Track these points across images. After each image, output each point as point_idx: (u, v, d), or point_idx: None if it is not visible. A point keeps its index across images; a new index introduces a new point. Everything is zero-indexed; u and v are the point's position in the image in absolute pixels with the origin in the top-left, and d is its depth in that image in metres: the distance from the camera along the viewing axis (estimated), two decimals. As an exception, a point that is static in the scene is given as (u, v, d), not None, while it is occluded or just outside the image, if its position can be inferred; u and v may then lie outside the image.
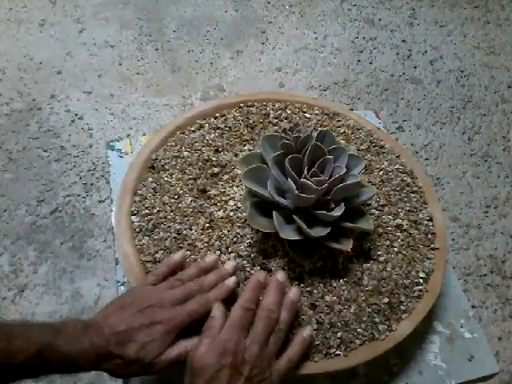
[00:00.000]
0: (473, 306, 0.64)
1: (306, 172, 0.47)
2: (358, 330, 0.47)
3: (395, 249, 0.55)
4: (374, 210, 0.58)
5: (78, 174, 0.71)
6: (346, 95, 0.93)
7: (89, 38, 0.93)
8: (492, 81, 1.01)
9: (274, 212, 0.48)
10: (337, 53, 1.01)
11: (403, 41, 1.07)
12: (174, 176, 0.57)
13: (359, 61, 1.00)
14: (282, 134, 0.49)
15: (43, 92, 0.82)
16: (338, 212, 0.47)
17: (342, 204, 0.48)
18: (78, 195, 0.69)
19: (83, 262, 0.62)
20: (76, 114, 0.79)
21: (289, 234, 0.46)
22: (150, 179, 0.57)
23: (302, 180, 0.46)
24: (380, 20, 1.11)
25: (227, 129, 0.64)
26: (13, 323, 0.37)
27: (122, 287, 0.56)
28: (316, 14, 1.09)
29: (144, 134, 0.78)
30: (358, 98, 0.93)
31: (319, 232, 0.46)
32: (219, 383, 0.37)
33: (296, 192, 0.45)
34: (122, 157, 0.70)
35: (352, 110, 0.89)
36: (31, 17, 0.94)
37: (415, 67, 1.01)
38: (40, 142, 0.74)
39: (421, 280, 0.53)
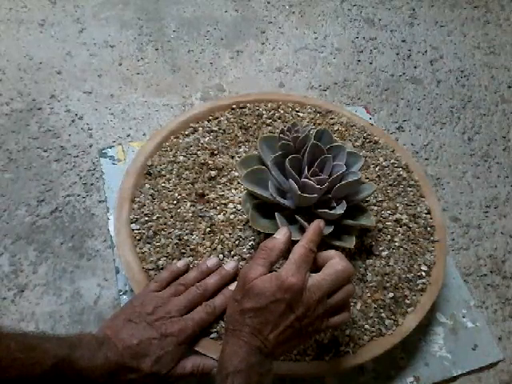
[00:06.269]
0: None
1: (306, 172, 0.47)
2: (366, 326, 0.48)
3: (396, 243, 0.55)
4: (372, 206, 0.58)
5: (78, 174, 0.71)
6: (346, 95, 0.93)
7: (89, 37, 0.93)
8: (492, 81, 1.02)
9: (276, 213, 0.48)
10: (337, 53, 1.01)
11: (403, 41, 1.07)
12: (171, 181, 0.58)
13: (359, 61, 1.01)
14: (281, 135, 0.50)
15: (43, 92, 0.82)
16: (340, 210, 0.47)
17: (344, 202, 0.48)
18: (78, 195, 0.69)
19: (83, 262, 0.62)
20: (76, 114, 0.79)
21: (292, 234, 0.46)
22: (147, 186, 0.57)
23: (303, 180, 0.46)
24: (380, 20, 1.11)
25: (221, 131, 0.64)
26: (30, 334, 0.36)
27: (125, 296, 0.56)
28: (316, 13, 1.09)
29: (144, 134, 0.78)
30: (358, 98, 0.93)
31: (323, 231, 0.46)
32: (269, 315, 0.37)
33: (298, 192, 0.45)
34: (114, 164, 0.70)
35: (348, 104, 0.89)
36: (31, 17, 0.94)
37: (415, 67, 1.01)
38: (40, 141, 0.74)
39: (423, 273, 0.53)
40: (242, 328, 0.37)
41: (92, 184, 0.70)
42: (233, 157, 0.62)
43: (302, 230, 0.48)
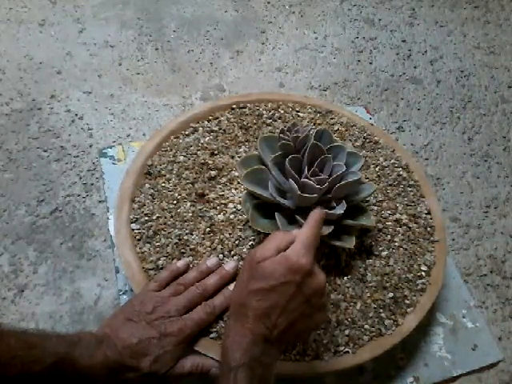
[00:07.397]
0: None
1: (306, 172, 0.47)
2: (365, 326, 0.48)
3: (396, 243, 0.55)
4: (372, 206, 0.58)
5: (77, 174, 0.71)
6: (346, 95, 0.93)
7: (89, 37, 0.93)
8: (492, 81, 1.02)
9: (276, 213, 0.48)
10: (337, 53, 1.01)
11: (403, 41, 1.07)
12: (171, 181, 0.57)
13: (359, 61, 1.01)
14: (281, 135, 0.50)
15: (43, 92, 0.82)
16: (340, 210, 0.47)
17: (344, 202, 0.48)
18: (78, 195, 0.69)
19: (83, 262, 0.62)
20: (76, 114, 0.79)
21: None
22: (147, 185, 0.57)
23: (303, 180, 0.46)
24: (380, 20, 1.11)
25: (221, 131, 0.64)
26: (30, 332, 0.37)
27: (125, 296, 0.56)
28: (316, 14, 1.09)
29: (144, 134, 0.78)
30: (358, 98, 0.93)
31: (322, 231, 0.46)
32: (278, 297, 0.35)
33: (298, 192, 0.45)
34: (114, 164, 0.70)
35: (348, 104, 0.89)
36: (31, 17, 0.94)
37: (415, 67, 1.02)
38: (40, 141, 0.74)
39: (423, 273, 0.53)
40: (246, 312, 0.35)
41: (92, 184, 0.70)
42: (233, 157, 0.62)
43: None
